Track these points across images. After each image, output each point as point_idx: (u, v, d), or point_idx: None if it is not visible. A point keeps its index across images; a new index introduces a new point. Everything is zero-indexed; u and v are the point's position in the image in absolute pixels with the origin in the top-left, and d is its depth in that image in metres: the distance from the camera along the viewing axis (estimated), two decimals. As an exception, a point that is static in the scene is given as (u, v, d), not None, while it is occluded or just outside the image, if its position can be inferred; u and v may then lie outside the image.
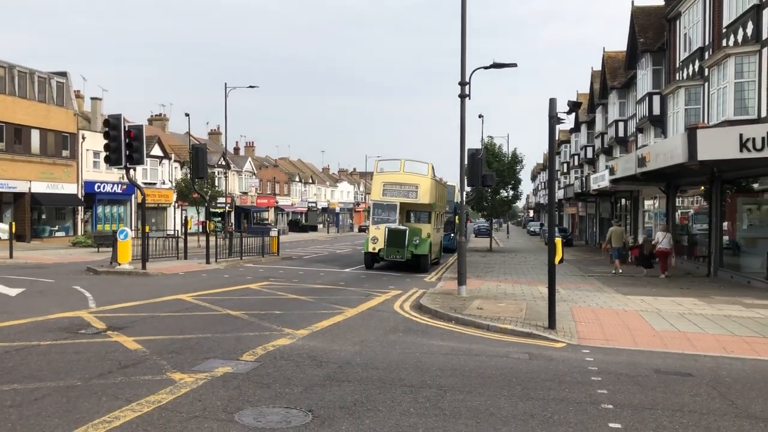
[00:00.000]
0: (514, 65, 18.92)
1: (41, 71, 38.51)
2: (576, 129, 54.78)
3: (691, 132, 16.81)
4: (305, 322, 11.40)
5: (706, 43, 22.44)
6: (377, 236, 23.74)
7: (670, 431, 5.97)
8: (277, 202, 74.26)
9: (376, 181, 24.70)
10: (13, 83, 36.29)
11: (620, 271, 23.30)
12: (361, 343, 9.80)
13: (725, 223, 21.51)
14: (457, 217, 33.19)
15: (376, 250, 23.74)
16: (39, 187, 37.62)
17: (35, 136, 37.85)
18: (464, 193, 18.36)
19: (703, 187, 23.05)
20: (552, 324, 11.21)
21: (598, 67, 42.24)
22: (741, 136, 15.76)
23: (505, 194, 39.69)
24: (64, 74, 40.58)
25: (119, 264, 20.70)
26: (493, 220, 46.15)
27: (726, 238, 21.46)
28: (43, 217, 39.60)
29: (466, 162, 16.97)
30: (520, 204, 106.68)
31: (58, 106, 39.48)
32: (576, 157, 55.12)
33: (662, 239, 22.31)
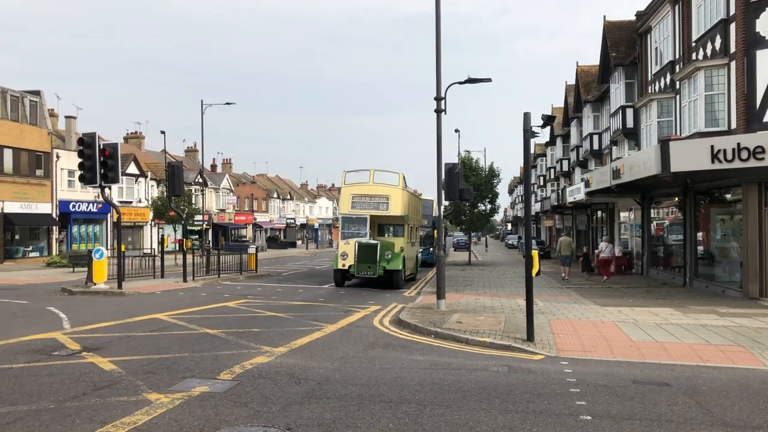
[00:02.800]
0: (489, 80, 19.11)
1: (14, 90, 38.06)
2: (551, 143, 55.36)
3: (664, 144, 17.06)
4: (284, 340, 11.32)
5: (677, 56, 22.86)
6: (347, 252, 22.60)
7: (647, 441, 6.00)
8: (255, 219, 73.88)
9: (345, 194, 23.47)
10: (-15, 102, 35.80)
11: (566, 277, 26.09)
12: (340, 359, 9.75)
13: (699, 234, 21.81)
14: (435, 231, 33.38)
15: (347, 267, 22.62)
16: (12, 207, 37.04)
17: (8, 156, 37.32)
18: (442, 207, 18.45)
19: (677, 198, 23.39)
20: (530, 336, 11.25)
21: (573, 81, 42.80)
22: (712, 147, 16.04)
23: (483, 208, 39.90)
24: (37, 93, 40.15)
25: (95, 284, 20.42)
26: (472, 234, 46.32)
27: (701, 248, 21.75)
28: (17, 237, 38.96)
29: (443, 176, 17.04)
30: (498, 217, 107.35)
31: (31, 125, 39.02)
32: (552, 170, 55.66)
33: (605, 249, 25.82)
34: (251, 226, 72.59)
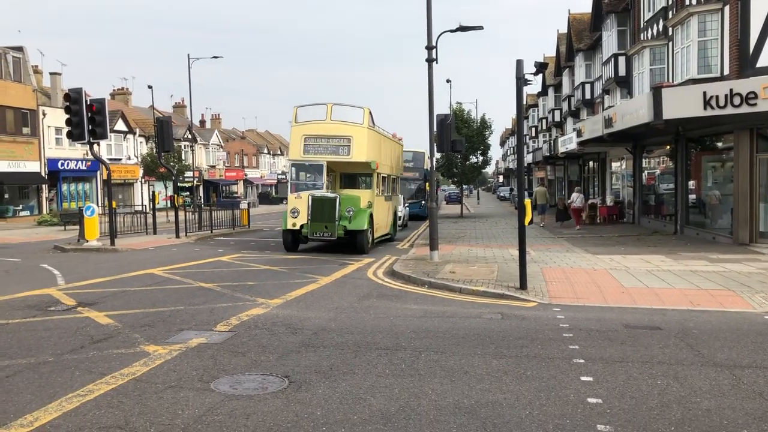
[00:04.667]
0: (480, 28, 18.82)
1: (-5, 46, 37.30)
2: (543, 93, 55.00)
3: (656, 91, 16.98)
4: (279, 292, 11.39)
5: (670, 2, 22.55)
6: (298, 208, 18.36)
7: (640, 381, 6.12)
8: (246, 175, 73.59)
9: (295, 135, 18.87)
10: (-33, 59, 35.13)
11: (543, 224, 27.83)
12: (335, 309, 9.83)
13: (691, 182, 21.89)
14: (427, 184, 33.32)
15: (297, 227, 18.34)
16: (0, 166, 36.70)
17: (-7, 114, 36.81)
18: (434, 159, 18.39)
19: (668, 147, 23.40)
20: (523, 284, 11.35)
21: (565, 30, 42.27)
22: (705, 94, 15.99)
23: (475, 160, 39.75)
24: (20, 49, 39.37)
25: (87, 241, 20.39)
26: (464, 187, 46.30)
27: (692, 196, 21.85)
28: (6, 196, 38.72)
29: (435, 128, 16.95)
30: (490, 170, 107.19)
31: (15, 82, 38.37)
32: (544, 121, 55.42)
33: (576, 199, 27.21)
34: (242, 182, 72.33)
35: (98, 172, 44.75)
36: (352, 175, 22.04)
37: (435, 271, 13.55)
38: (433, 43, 16.30)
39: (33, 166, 39.51)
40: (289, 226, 18.48)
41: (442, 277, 12.68)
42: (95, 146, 20.07)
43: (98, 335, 8.03)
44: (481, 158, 40.21)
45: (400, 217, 28.37)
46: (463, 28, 18.74)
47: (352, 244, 18.32)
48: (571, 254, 16.93)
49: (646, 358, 6.94)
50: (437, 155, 19.38)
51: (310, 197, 18.05)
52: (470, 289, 11.48)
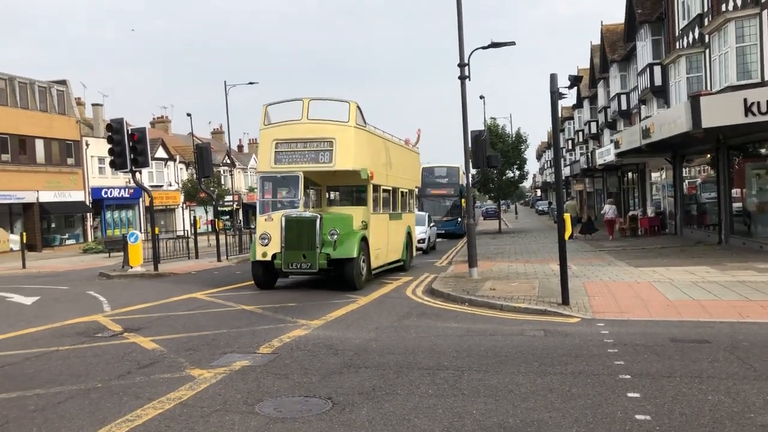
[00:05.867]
0: (512, 44, 18.83)
1: (41, 81, 38.62)
2: (578, 105, 54.58)
3: (695, 100, 16.71)
4: (319, 312, 11.44)
5: (705, 9, 22.24)
6: (268, 233, 14.62)
7: (690, 397, 5.98)
8: (283, 197, 74.14)
9: (264, 140, 15.22)
10: (14, 94, 36.42)
11: (574, 237, 27.56)
12: (375, 329, 9.84)
13: (734, 190, 21.40)
14: (463, 200, 33.19)
15: (269, 257, 14.54)
16: (47, 197, 37.79)
17: (39, 146, 38.02)
18: (470, 175, 18.35)
19: (709, 155, 22.94)
20: (565, 300, 11.21)
21: (598, 41, 41.97)
22: (745, 100, 15.66)
23: (511, 175, 39.60)
24: (63, 82, 40.70)
25: (131, 267, 20.80)
26: (501, 202, 46.07)
27: (736, 205, 21.35)
28: (53, 225, 39.83)
29: (469, 144, 16.93)
30: (527, 184, 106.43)
31: (60, 115, 39.61)
32: (580, 134, 54.96)
33: (609, 211, 28.15)
34: (280, 204, 72.86)
35: (140, 199, 45.77)
36: (344, 190, 18.10)
37: (475, 289, 13.47)
38: (466, 60, 16.34)
39: (78, 196, 40.61)
40: (259, 257, 14.66)
41: (483, 295, 12.60)
42: (137, 174, 20.55)
43: (144, 360, 8.18)
44: (517, 173, 40.07)
45: (422, 239, 25.57)
46: (495, 45, 18.76)
47: (339, 276, 14.52)
48: (613, 267, 16.66)
49: (695, 373, 6.78)
50: (473, 171, 19.30)
51: (283, 219, 14.29)
52: (511, 305, 11.38)
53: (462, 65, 16.26)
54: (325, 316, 11.14)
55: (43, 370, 7.89)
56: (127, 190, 44.46)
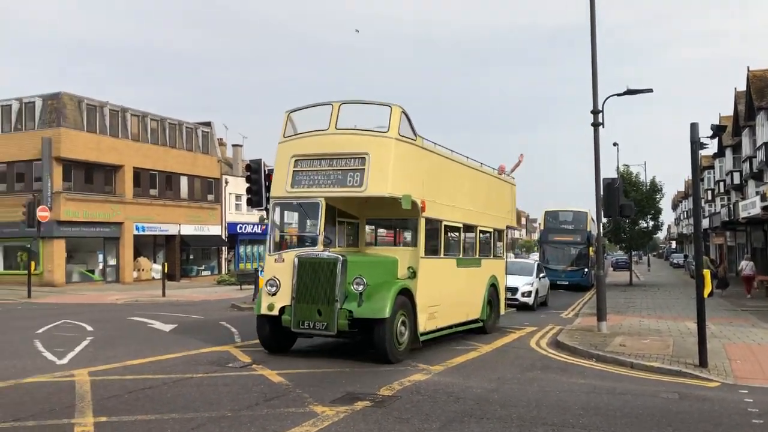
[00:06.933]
0: (650, 90, 18.15)
1: (188, 122, 41.70)
2: (720, 154, 51.48)
3: None
4: (439, 358, 11.37)
5: None
6: (277, 278, 11.22)
7: None
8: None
9: (282, 156, 11.88)
10: (164, 134, 39.52)
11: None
12: (497, 380, 9.64)
13: None
14: (591, 249, 31.90)
15: (276, 311, 11.08)
16: (187, 230, 40.39)
17: (184, 183, 40.85)
18: (601, 224, 17.74)
19: None
20: (703, 361, 10.47)
21: (742, 87, 39.67)
22: None
23: (645, 225, 37.89)
24: (208, 124, 43.70)
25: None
26: (632, 252, 44.04)
27: None
28: (191, 257, 42.39)
29: (601, 192, 16.40)
30: (661, 235, 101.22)
31: (203, 154, 42.46)
32: (721, 184, 51.72)
33: (746, 267, 27.57)
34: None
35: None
36: (389, 225, 14.11)
37: (603, 344, 12.89)
38: (599, 107, 15.97)
39: (215, 230, 43.08)
40: (263, 310, 11.24)
41: (612, 350, 12.04)
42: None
43: (271, 393, 8.46)
44: (651, 223, 38.30)
45: (527, 292, 21.68)
46: (631, 92, 18.18)
47: (369, 342, 10.87)
48: (757, 329, 15.44)
49: None
50: (603, 220, 18.61)
51: (296, 259, 10.99)
52: (643, 364, 10.78)
53: (595, 111, 15.90)
54: (445, 362, 11.05)
55: (179, 395, 8.35)
56: (259, 226, 46.54)
